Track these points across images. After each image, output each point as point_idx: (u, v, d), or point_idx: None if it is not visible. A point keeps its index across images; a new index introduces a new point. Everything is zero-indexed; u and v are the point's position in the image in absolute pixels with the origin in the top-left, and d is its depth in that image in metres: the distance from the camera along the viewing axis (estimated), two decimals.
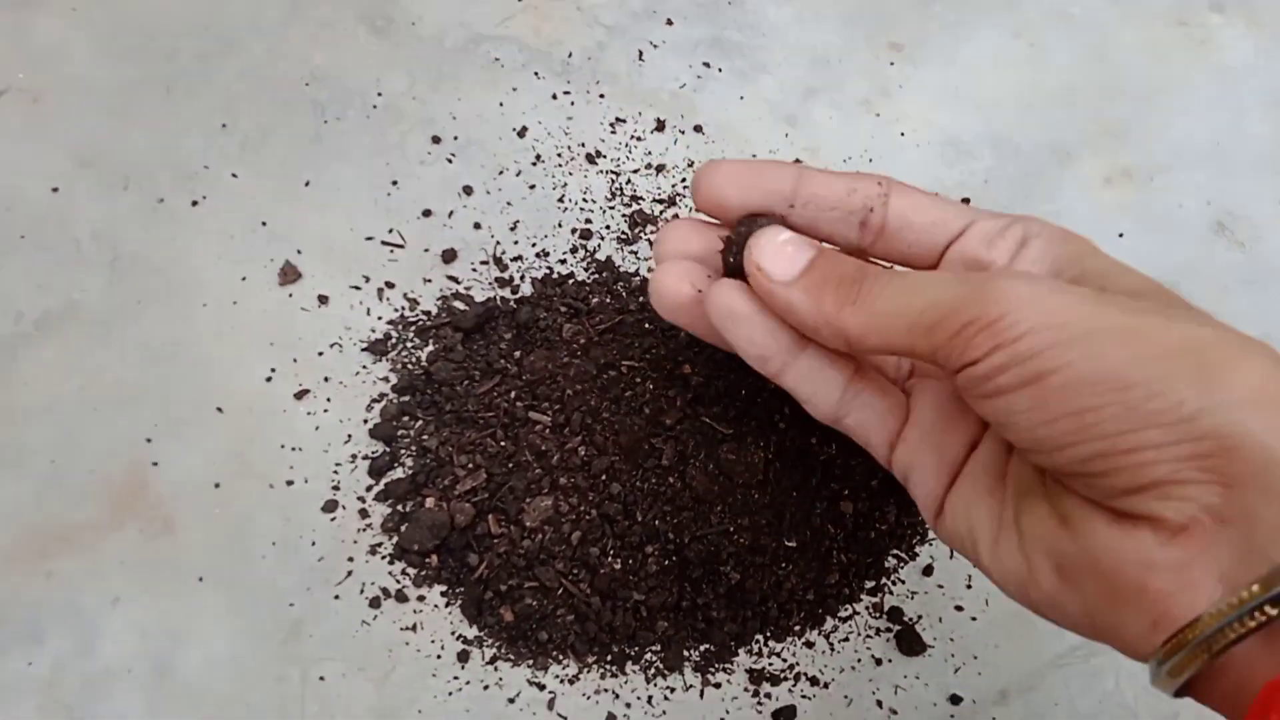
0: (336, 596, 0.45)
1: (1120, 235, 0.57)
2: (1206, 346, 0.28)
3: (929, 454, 0.37)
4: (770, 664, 0.45)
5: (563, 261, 0.52)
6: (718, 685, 0.45)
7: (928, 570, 0.48)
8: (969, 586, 0.48)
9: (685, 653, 0.45)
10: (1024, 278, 0.31)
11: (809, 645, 0.46)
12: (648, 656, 0.45)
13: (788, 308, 0.35)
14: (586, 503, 0.45)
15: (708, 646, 0.45)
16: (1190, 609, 0.28)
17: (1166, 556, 0.28)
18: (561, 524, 0.45)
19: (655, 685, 0.45)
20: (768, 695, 0.45)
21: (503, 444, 0.46)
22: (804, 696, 0.45)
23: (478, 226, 0.53)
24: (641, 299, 0.50)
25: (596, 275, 0.52)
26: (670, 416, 0.45)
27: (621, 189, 0.54)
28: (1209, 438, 0.27)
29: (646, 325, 0.49)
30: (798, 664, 0.45)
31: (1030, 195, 0.57)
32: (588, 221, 0.53)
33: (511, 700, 0.44)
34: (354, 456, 0.47)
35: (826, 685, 0.45)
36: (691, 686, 0.45)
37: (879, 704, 0.45)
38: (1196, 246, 0.57)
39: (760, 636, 0.46)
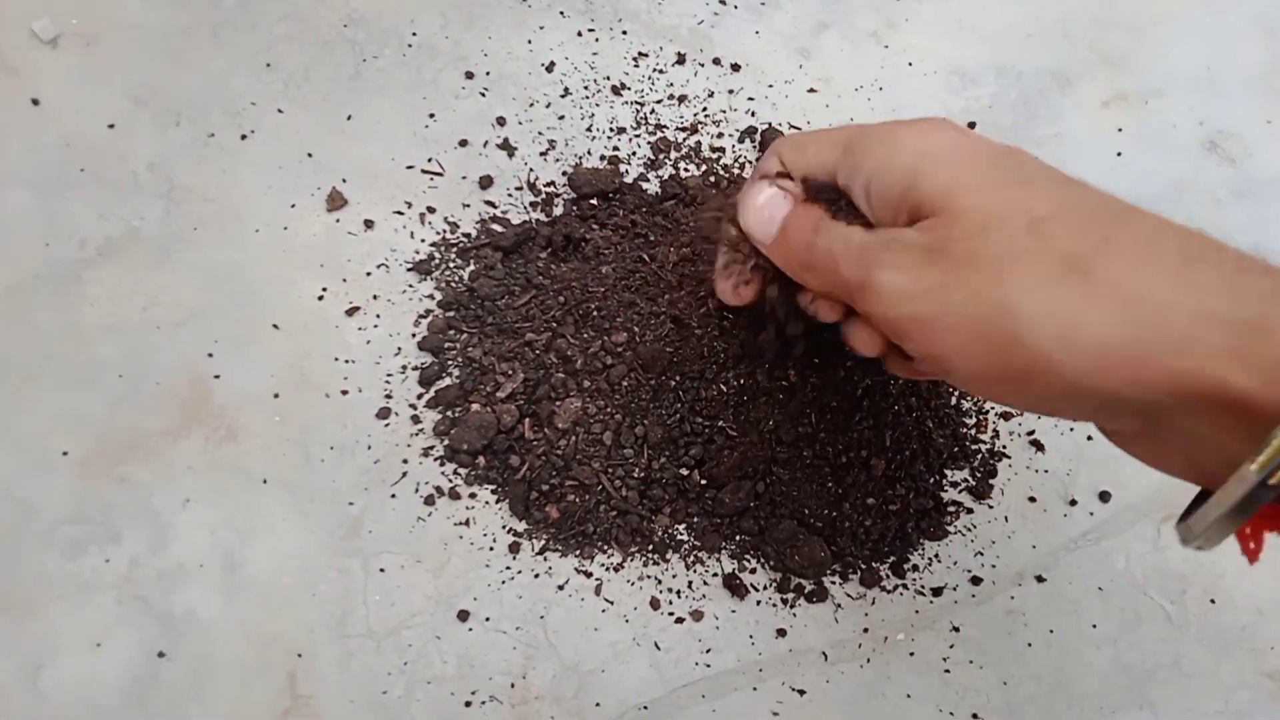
0: (393, 495, 0.45)
1: (1119, 155, 0.57)
2: None
3: None
4: None
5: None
6: (753, 570, 0.46)
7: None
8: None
9: (722, 542, 0.46)
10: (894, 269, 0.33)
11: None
12: (686, 545, 0.46)
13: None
14: (612, 405, 0.46)
15: (743, 536, 0.46)
16: None
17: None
18: (591, 425, 0.46)
19: (695, 572, 0.45)
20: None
21: (538, 352, 0.47)
22: (832, 581, 0.46)
23: (511, 155, 0.53)
24: (657, 218, 0.51)
25: (623, 197, 0.52)
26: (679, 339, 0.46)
27: (646, 118, 0.55)
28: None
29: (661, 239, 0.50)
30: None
31: (1033, 119, 0.57)
32: (615, 149, 0.54)
33: (560, 587, 0.44)
34: (404, 368, 0.48)
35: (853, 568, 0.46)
36: (729, 572, 0.45)
37: (905, 585, 0.46)
38: (1190, 164, 0.57)
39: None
